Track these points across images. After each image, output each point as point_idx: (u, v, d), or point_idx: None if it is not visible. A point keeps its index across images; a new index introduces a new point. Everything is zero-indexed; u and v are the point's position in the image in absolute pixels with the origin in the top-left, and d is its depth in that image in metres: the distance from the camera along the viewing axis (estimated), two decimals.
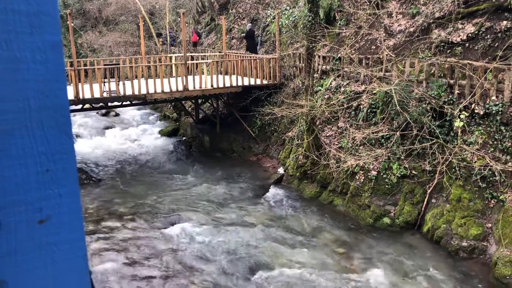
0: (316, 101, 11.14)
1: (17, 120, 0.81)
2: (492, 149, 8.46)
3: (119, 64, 12.84)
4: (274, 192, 11.27)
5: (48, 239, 0.88)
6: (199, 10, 22.49)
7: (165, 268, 7.94)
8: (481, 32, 9.68)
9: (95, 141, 15.33)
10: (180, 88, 12.63)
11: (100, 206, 10.43)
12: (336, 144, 10.79)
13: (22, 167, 0.82)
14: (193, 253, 8.38)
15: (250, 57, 14.38)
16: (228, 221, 9.69)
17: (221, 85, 13.19)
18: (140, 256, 8.29)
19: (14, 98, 0.80)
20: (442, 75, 9.66)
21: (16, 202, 0.84)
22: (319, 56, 12.50)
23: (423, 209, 9.05)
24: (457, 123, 8.81)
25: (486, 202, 8.27)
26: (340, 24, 12.93)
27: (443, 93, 9.36)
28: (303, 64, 11.45)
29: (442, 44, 10.18)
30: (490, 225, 8.08)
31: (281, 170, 12.28)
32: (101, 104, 13.00)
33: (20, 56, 0.80)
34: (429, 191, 9.06)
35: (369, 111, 10.61)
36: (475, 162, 8.50)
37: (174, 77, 13.21)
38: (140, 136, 16.08)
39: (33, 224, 0.86)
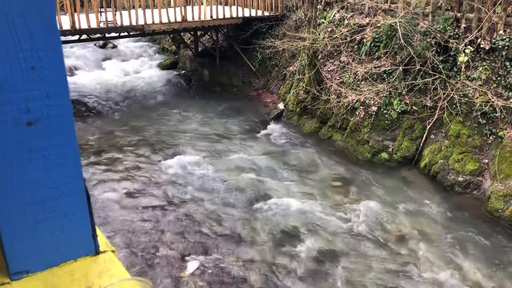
0: (319, 34, 10.85)
1: None
2: (495, 85, 8.37)
3: None
4: (273, 127, 11.30)
5: (38, 143, 0.86)
6: None
7: (165, 198, 8.12)
8: None
9: (94, 74, 15.13)
10: (179, 19, 12.26)
11: (100, 138, 10.49)
12: (338, 79, 10.65)
13: (5, 63, 0.78)
14: (192, 184, 8.53)
15: None
16: (227, 154, 9.79)
17: (220, 16, 12.80)
18: (140, 186, 8.46)
19: None
20: (449, 8, 9.34)
21: (1, 101, 0.81)
22: None
23: (421, 144, 9.11)
24: (461, 58, 8.64)
25: (485, 138, 8.31)
26: None
27: (449, 27, 9.09)
28: None
29: None
30: (486, 161, 8.17)
31: (281, 106, 12.22)
32: (98, 35, 12.68)
33: None
34: (428, 127, 9.07)
35: (372, 45, 10.37)
36: (477, 98, 8.44)
37: (172, 7, 12.77)
38: (138, 69, 15.84)
39: (21, 126, 0.84)
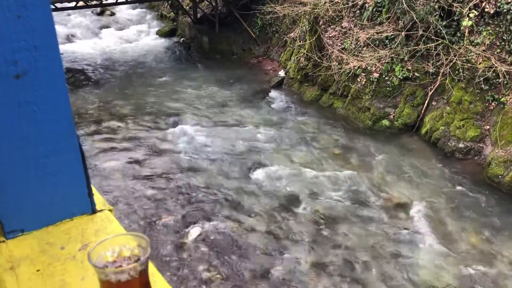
0: None
1: None
2: (498, 50, 8.24)
3: None
4: (274, 95, 11.22)
5: (27, 96, 0.83)
6: None
7: (166, 167, 8.14)
8: None
9: (92, 42, 14.91)
10: None
11: (101, 107, 10.44)
12: (339, 45, 10.49)
13: None
14: (193, 152, 8.54)
15: None
16: (227, 123, 9.76)
17: None
18: (141, 155, 8.47)
19: None
20: None
21: None
22: None
23: (422, 111, 9.06)
24: (465, 23, 8.47)
25: (487, 104, 8.25)
26: None
27: None
28: None
29: None
30: (488, 127, 8.14)
31: (281, 73, 12.09)
32: (95, 1, 12.42)
33: None
34: (430, 93, 8.99)
35: (374, 10, 10.16)
36: (480, 63, 8.32)
37: None
38: (137, 36, 15.61)
39: (9, 79, 0.81)
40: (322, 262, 5.99)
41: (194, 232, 6.55)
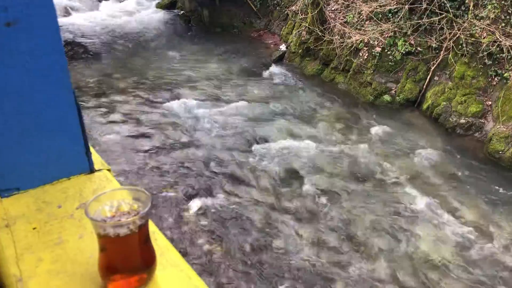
0: None
1: None
2: (503, 24, 8.12)
3: None
4: (275, 70, 11.12)
5: (19, 46, 0.79)
6: None
7: (165, 140, 8.12)
8: None
9: (90, 15, 14.69)
10: None
11: (100, 81, 10.36)
12: (342, 19, 10.33)
13: None
14: (193, 126, 8.52)
15: None
16: (228, 97, 9.70)
17: None
18: (141, 129, 8.44)
19: None
20: None
21: None
22: None
23: (424, 86, 8.99)
24: None
25: (489, 79, 8.18)
26: None
27: None
28: None
29: None
30: (490, 102, 8.09)
31: (283, 47, 11.95)
32: None
33: None
34: (432, 68, 8.91)
35: None
36: (484, 38, 8.21)
37: None
38: (136, 9, 15.36)
39: (0, 27, 0.78)
40: (321, 236, 6.04)
41: (194, 205, 6.58)
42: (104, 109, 9.09)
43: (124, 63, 11.42)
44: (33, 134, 0.93)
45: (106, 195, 0.87)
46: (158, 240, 0.99)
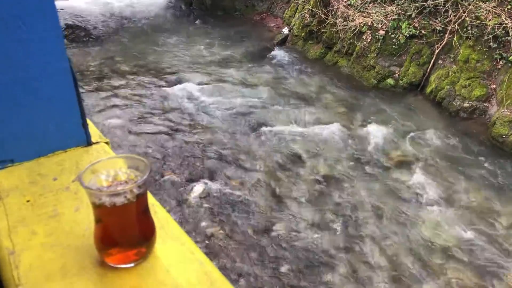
0: None
1: None
2: (509, 6, 7.99)
3: None
4: (277, 53, 11.04)
5: (11, 10, 0.76)
6: None
7: (168, 125, 8.10)
8: None
9: None
10: None
11: (102, 64, 10.31)
12: (345, 1, 10.20)
13: None
14: (195, 111, 8.48)
15: None
16: (230, 81, 9.64)
17: None
18: (143, 113, 8.42)
19: None
20: None
21: None
22: None
23: (428, 70, 8.91)
24: None
25: (494, 63, 8.09)
26: None
27: None
28: None
29: None
30: (494, 86, 8.02)
31: (285, 30, 11.84)
32: None
33: None
34: (436, 51, 8.81)
35: None
36: (489, 20, 8.10)
37: None
38: None
39: None
40: (323, 220, 6.04)
41: (197, 189, 6.58)
42: (105, 93, 9.06)
43: (126, 47, 11.35)
44: (27, 104, 0.90)
45: (102, 163, 0.83)
46: (158, 213, 0.96)
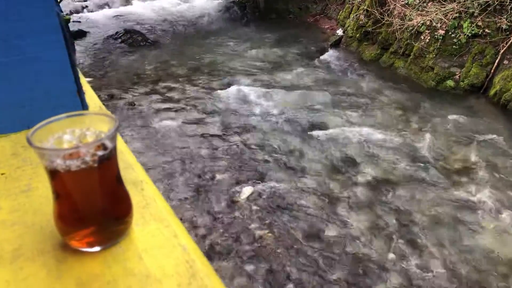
0: None
1: None
2: None
3: None
4: (331, 55, 10.85)
5: None
6: None
7: (221, 127, 8.16)
8: None
9: (149, 3, 15.05)
10: None
11: (157, 68, 10.59)
12: (402, 0, 9.85)
13: None
14: (248, 113, 8.50)
15: None
16: (282, 83, 9.59)
17: None
18: (197, 115, 8.54)
19: None
20: None
21: None
22: None
23: (492, 71, 8.40)
24: None
25: None
26: None
27: None
28: None
29: None
30: None
31: (339, 32, 11.63)
32: None
33: None
34: (501, 51, 8.29)
35: None
36: None
37: None
38: None
39: None
40: (376, 226, 5.83)
41: (246, 191, 6.56)
42: (160, 96, 9.29)
43: (180, 50, 11.60)
44: (12, 67, 0.82)
45: (63, 121, 0.70)
46: (146, 190, 0.84)
